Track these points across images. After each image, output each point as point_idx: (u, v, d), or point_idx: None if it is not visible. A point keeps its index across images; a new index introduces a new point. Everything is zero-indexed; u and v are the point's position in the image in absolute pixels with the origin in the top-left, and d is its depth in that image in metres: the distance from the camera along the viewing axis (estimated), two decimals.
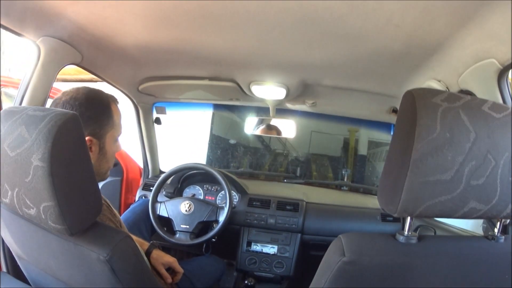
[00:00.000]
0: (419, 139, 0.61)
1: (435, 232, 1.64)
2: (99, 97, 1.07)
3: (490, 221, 1.16)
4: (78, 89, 1.05)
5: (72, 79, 4.16)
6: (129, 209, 2.00)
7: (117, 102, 1.13)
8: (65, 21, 1.21)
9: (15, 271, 1.13)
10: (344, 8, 0.99)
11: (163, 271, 1.32)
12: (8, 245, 1.03)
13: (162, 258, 1.35)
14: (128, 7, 1.12)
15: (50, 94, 1.32)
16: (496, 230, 0.75)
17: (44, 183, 0.71)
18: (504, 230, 0.77)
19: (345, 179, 3.57)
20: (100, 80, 1.68)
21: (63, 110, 0.79)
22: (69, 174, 0.74)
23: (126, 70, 1.74)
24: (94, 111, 1.03)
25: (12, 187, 0.77)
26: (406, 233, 0.71)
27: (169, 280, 1.32)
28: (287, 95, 1.88)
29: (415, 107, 0.62)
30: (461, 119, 0.62)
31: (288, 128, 2.12)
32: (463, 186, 0.63)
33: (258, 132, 2.20)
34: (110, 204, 1.11)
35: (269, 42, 1.30)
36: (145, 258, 1.15)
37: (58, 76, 1.32)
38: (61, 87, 2.82)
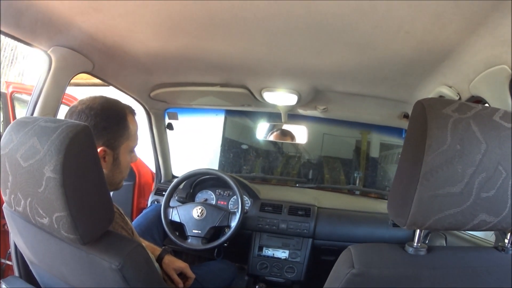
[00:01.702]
0: (429, 151, 0.60)
1: (445, 238, 1.62)
2: (115, 108, 1.06)
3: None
4: (94, 98, 1.05)
5: (84, 83, 4.23)
6: (141, 214, 2.03)
7: (134, 113, 1.12)
8: (76, 31, 1.23)
9: (27, 275, 1.15)
10: (354, 16, 0.99)
11: (175, 276, 1.33)
12: (20, 250, 1.05)
13: (174, 264, 1.36)
14: (138, 16, 1.13)
15: (64, 101, 1.35)
16: (506, 241, 0.74)
17: (57, 194, 0.72)
18: None
19: (357, 182, 3.56)
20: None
21: (75, 121, 0.80)
22: (81, 184, 0.76)
23: (137, 77, 1.76)
24: (109, 122, 1.03)
25: (25, 196, 0.79)
26: (415, 244, 0.70)
27: (181, 285, 1.33)
28: (298, 101, 1.88)
29: (426, 118, 0.61)
30: (472, 130, 0.61)
31: (300, 133, 2.12)
32: (472, 199, 0.62)
33: (272, 138, 2.19)
34: (123, 212, 1.12)
35: (280, 49, 1.31)
36: (157, 265, 1.16)
37: (70, 81, 1.34)
38: (73, 92, 2.89)
